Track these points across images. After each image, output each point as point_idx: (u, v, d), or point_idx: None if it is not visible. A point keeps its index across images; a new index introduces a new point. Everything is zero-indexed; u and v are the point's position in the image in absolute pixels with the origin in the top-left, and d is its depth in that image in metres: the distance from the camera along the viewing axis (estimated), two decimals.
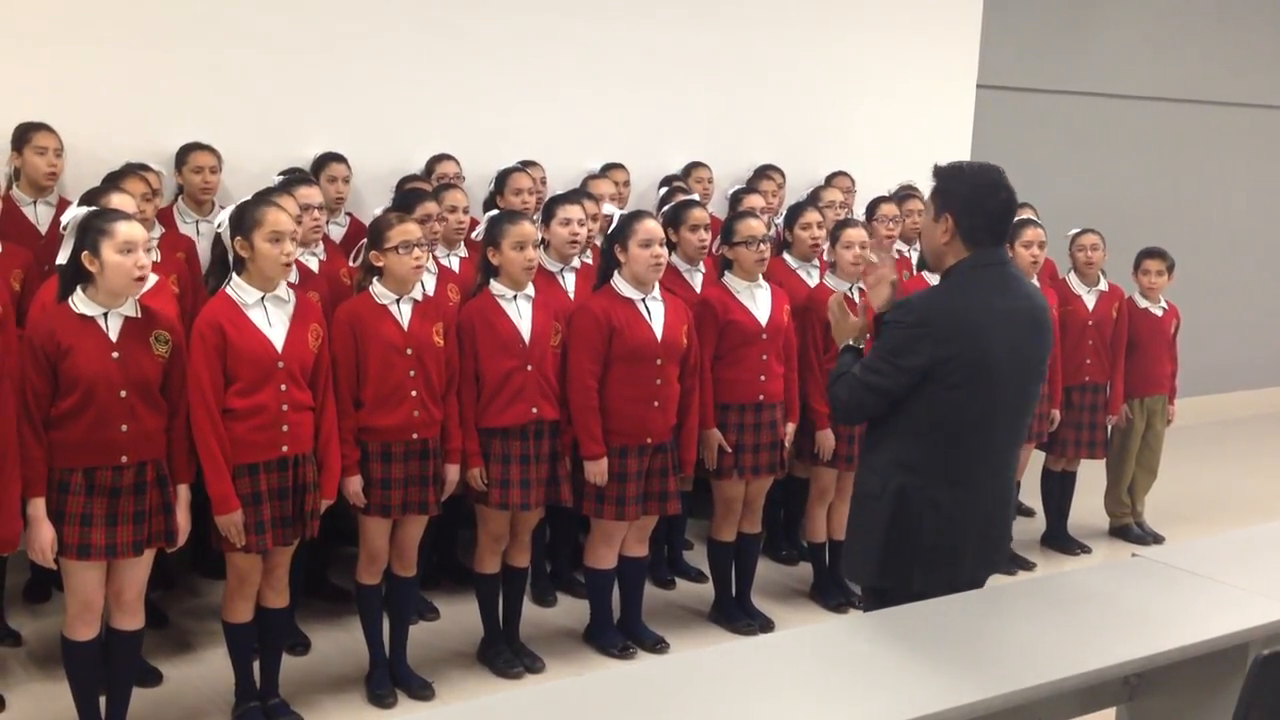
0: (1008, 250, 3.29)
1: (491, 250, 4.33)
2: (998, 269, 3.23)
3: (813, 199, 5.88)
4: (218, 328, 3.71)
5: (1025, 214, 6.07)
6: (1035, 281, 5.56)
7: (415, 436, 4.13)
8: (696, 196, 5.69)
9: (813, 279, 5.30)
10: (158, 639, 4.55)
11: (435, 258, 4.85)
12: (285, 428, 3.79)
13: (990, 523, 3.27)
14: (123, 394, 3.51)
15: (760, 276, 4.81)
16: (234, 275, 3.80)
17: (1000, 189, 3.20)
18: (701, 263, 5.11)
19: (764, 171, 6.48)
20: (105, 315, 3.52)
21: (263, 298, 3.78)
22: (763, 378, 4.78)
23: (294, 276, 3.95)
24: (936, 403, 3.15)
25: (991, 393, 3.17)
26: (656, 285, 4.50)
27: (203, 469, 3.71)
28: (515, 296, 4.34)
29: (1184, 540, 3.60)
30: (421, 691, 4.35)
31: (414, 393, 4.11)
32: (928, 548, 3.19)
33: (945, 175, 3.25)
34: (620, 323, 4.39)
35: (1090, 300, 6.05)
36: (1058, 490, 6.28)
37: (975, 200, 3.18)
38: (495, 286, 4.35)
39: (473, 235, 4.78)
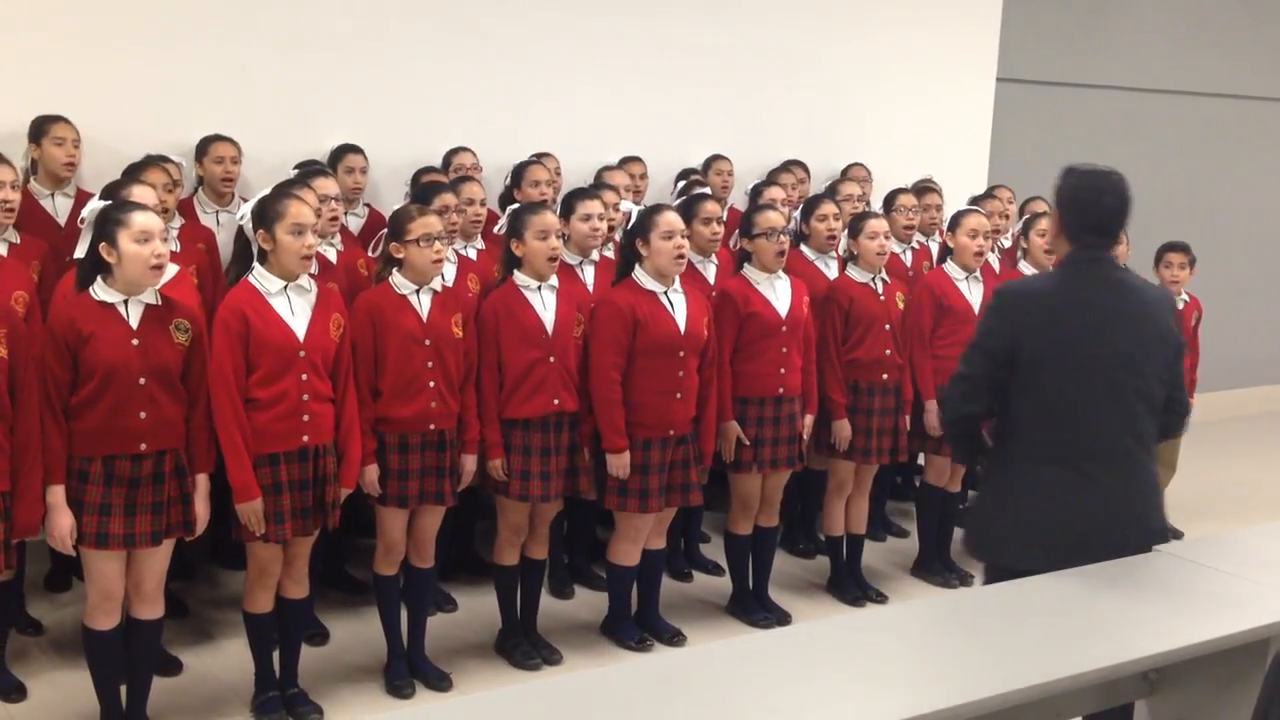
0: (1113, 253, 3.43)
1: (515, 241, 4.34)
2: (1098, 266, 3.35)
3: (830, 191, 5.89)
4: (240, 316, 3.72)
5: (1040, 207, 6.08)
6: (1050, 269, 5.58)
7: (433, 427, 4.14)
8: (710, 189, 5.70)
9: (831, 271, 5.30)
10: (178, 628, 4.57)
11: (455, 249, 4.85)
12: (306, 417, 3.80)
13: (1098, 508, 3.28)
14: (141, 381, 3.53)
15: (780, 269, 4.80)
16: (256, 265, 3.82)
17: (1105, 193, 3.35)
18: (714, 255, 5.11)
19: (786, 165, 6.47)
20: (125, 303, 3.54)
21: (285, 287, 3.80)
22: (782, 370, 4.77)
23: (313, 268, 3.97)
24: (1035, 385, 3.27)
25: (1082, 380, 3.26)
26: (677, 278, 4.50)
27: (224, 457, 3.73)
28: (539, 287, 4.35)
29: (1203, 536, 3.58)
30: (439, 682, 4.36)
31: (432, 383, 4.11)
32: (1041, 529, 3.26)
33: (1061, 175, 3.42)
34: (644, 316, 4.39)
35: None
36: None
37: (1077, 201, 3.35)
38: (519, 277, 4.35)
39: (494, 229, 4.79)
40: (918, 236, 6.08)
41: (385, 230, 4.25)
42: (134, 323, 3.54)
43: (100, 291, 3.53)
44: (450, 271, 4.69)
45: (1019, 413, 3.33)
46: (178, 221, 4.72)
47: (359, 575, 5.08)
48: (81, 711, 3.97)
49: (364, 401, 4.04)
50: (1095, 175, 3.38)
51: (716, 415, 4.69)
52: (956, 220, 5.31)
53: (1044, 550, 3.24)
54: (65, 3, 5.06)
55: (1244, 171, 9.05)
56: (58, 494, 3.51)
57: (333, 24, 5.58)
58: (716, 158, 6.38)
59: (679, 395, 4.47)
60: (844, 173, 6.62)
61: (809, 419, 4.94)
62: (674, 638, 4.80)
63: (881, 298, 5.07)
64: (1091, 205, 3.34)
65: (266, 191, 3.94)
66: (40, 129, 4.77)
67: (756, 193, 5.80)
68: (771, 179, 6.10)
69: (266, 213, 3.78)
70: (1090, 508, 3.27)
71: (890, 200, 5.94)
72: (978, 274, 5.29)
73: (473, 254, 5.06)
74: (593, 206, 4.77)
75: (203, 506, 3.72)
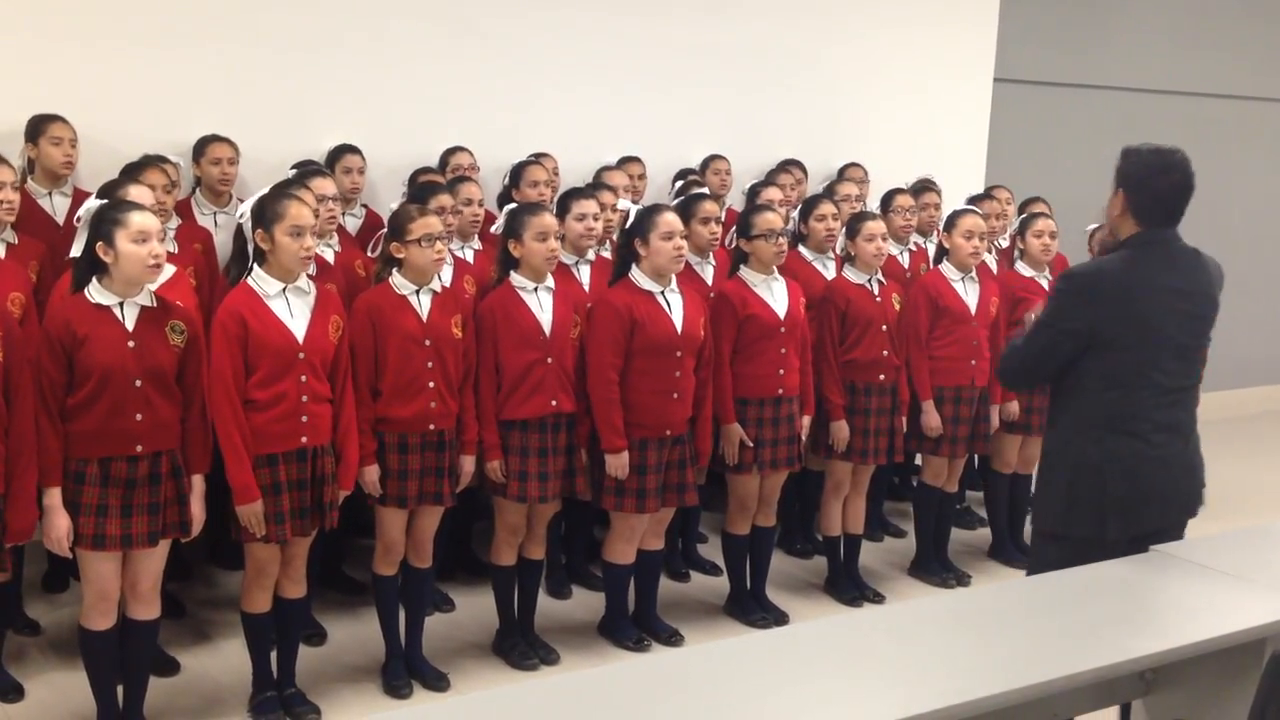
0: (1177, 231, 3.49)
1: (513, 242, 4.33)
2: (1165, 246, 3.42)
3: (828, 192, 5.89)
4: (239, 318, 3.72)
5: (1038, 207, 6.08)
6: (1048, 272, 5.59)
7: (432, 428, 4.14)
8: (708, 189, 5.69)
9: (829, 271, 5.31)
10: (175, 629, 4.57)
11: (450, 250, 4.85)
12: (305, 419, 3.80)
13: (1168, 471, 3.41)
14: (138, 383, 3.52)
15: (776, 269, 4.80)
16: (255, 266, 3.82)
17: (1172, 171, 3.41)
18: (712, 255, 5.11)
19: (784, 165, 6.48)
20: (121, 305, 3.54)
21: (284, 289, 3.80)
22: (781, 371, 4.77)
23: (311, 269, 3.96)
24: (1104, 363, 3.36)
25: (1152, 355, 3.36)
26: (674, 278, 4.50)
27: (224, 459, 3.72)
28: (536, 289, 4.35)
29: (1201, 535, 3.58)
30: (437, 683, 4.36)
31: (431, 384, 4.11)
32: (1116, 498, 3.36)
33: (1123, 155, 3.47)
34: (642, 316, 4.39)
35: None
36: None
37: (1144, 180, 3.40)
38: (516, 279, 4.35)
39: (491, 229, 4.78)
40: (915, 238, 6.08)
41: (384, 230, 4.25)
42: (129, 325, 3.54)
43: (96, 294, 3.53)
44: (448, 272, 4.68)
45: (1089, 389, 3.39)
46: (175, 222, 4.72)
47: (356, 575, 5.08)
48: (78, 712, 3.97)
49: (363, 402, 4.04)
50: (1160, 153, 3.43)
51: (717, 418, 4.70)
52: (952, 221, 5.31)
53: (1118, 518, 3.36)
54: (64, 3, 5.06)
55: (1244, 171, 9.04)
56: (54, 496, 3.51)
57: (331, 24, 5.59)
58: (714, 157, 6.39)
59: (676, 395, 4.47)
60: (841, 173, 6.63)
61: (806, 420, 4.95)
62: (671, 638, 4.80)
63: (878, 299, 5.07)
64: (1157, 183, 3.40)
65: (266, 190, 3.93)
66: (37, 128, 4.77)
67: (754, 193, 5.80)
68: (769, 179, 6.11)
69: (265, 213, 3.78)
70: (1159, 478, 3.38)
71: (887, 201, 5.95)
72: (974, 274, 5.30)
73: (469, 255, 5.06)
74: (588, 206, 4.77)
75: (198, 508, 3.72)
